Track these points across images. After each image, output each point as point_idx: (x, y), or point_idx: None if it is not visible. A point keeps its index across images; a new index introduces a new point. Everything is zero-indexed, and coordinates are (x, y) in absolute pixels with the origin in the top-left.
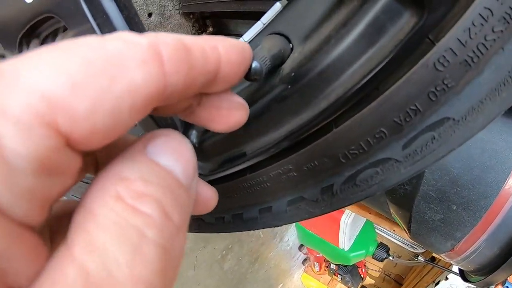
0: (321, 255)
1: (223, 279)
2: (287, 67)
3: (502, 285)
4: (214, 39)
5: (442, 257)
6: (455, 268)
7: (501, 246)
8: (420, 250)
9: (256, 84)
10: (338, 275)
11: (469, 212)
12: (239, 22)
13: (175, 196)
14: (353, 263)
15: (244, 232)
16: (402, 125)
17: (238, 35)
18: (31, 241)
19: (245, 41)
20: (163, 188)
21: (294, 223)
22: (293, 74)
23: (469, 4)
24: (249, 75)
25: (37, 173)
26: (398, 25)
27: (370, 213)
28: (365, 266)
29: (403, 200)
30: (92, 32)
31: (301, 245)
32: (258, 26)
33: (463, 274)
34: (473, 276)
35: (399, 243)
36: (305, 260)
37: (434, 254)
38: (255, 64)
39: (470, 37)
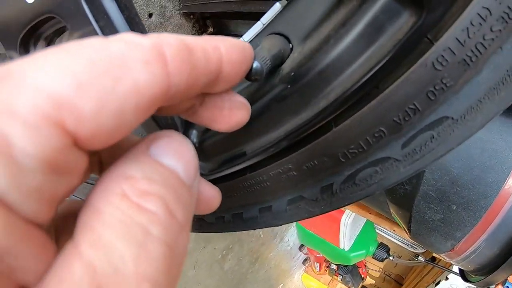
0: (321, 255)
1: (224, 279)
2: (286, 67)
3: (502, 285)
4: (215, 39)
5: (442, 257)
6: (456, 268)
7: (501, 246)
8: (420, 250)
9: (256, 84)
10: (339, 275)
11: (469, 212)
12: (239, 22)
13: (178, 194)
14: (354, 263)
15: (244, 232)
16: (401, 124)
17: (238, 36)
18: (38, 239)
19: (245, 41)
20: (166, 187)
21: (294, 223)
22: (292, 73)
23: (467, 3)
24: (250, 75)
25: (45, 172)
26: (397, 24)
27: (370, 213)
28: (365, 266)
29: (403, 200)
30: (93, 32)
31: (302, 245)
32: (258, 26)
33: (463, 274)
34: (473, 276)
35: (399, 243)
36: (305, 260)
37: (434, 254)
38: (256, 64)
39: (469, 37)
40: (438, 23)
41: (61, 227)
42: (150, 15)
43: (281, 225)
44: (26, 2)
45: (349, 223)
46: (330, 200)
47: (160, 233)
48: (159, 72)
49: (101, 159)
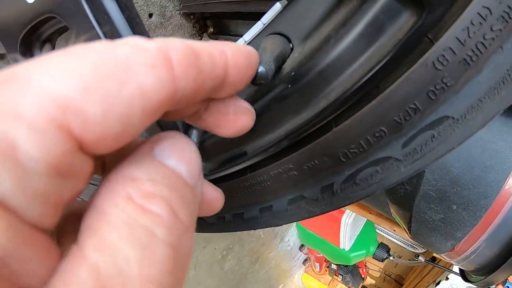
0: (321, 255)
1: (224, 279)
2: (287, 66)
3: (503, 285)
4: (221, 44)
5: (443, 257)
6: (456, 268)
7: (501, 246)
8: (420, 250)
9: None
10: (339, 275)
11: (469, 212)
12: (239, 22)
13: (182, 195)
14: (354, 263)
15: (244, 232)
16: (401, 124)
17: (239, 36)
18: (43, 243)
19: (245, 41)
20: (170, 188)
21: (295, 223)
22: (293, 73)
23: (467, 3)
24: (255, 80)
25: (50, 176)
26: (397, 24)
27: (370, 213)
28: (365, 266)
29: (403, 200)
30: (94, 32)
31: (302, 245)
32: (258, 26)
33: (463, 274)
34: (473, 276)
35: (399, 243)
36: (305, 260)
37: (434, 254)
38: (261, 69)
39: (469, 36)
40: (439, 22)
41: (63, 227)
42: (150, 15)
43: (281, 225)
44: (26, 2)
45: (350, 223)
46: (331, 199)
47: (165, 235)
48: (165, 76)
49: (104, 160)
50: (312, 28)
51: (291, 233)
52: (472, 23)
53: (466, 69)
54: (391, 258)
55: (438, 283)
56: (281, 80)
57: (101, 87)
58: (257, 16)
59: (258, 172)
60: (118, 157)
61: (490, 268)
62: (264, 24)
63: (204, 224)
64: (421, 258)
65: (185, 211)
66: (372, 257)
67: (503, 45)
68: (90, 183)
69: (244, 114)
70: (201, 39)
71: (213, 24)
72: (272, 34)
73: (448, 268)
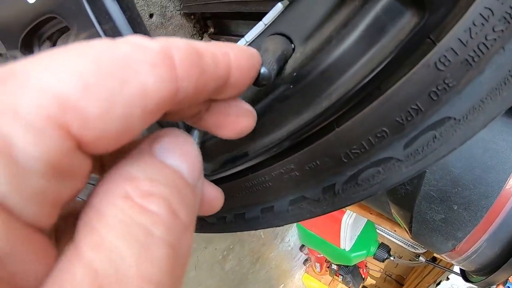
0: (322, 255)
1: (224, 279)
2: (289, 67)
3: (503, 285)
4: (224, 45)
5: (443, 257)
6: (456, 268)
7: (502, 246)
8: (421, 251)
9: None
10: (339, 276)
11: (470, 212)
12: (240, 23)
13: (182, 195)
14: (354, 263)
15: (245, 232)
16: (403, 125)
17: (239, 36)
18: (40, 243)
19: (247, 41)
20: (170, 188)
21: (295, 224)
22: (295, 74)
23: (469, 4)
24: (258, 81)
25: (48, 175)
26: (399, 25)
27: (371, 213)
28: (366, 266)
29: (404, 200)
30: (95, 33)
31: (302, 246)
32: (260, 27)
33: (464, 274)
34: (474, 276)
35: (400, 243)
36: (306, 260)
37: (435, 254)
38: (263, 70)
39: (471, 37)
40: (441, 23)
41: (61, 227)
42: (151, 16)
43: (283, 225)
44: (27, 2)
45: (350, 223)
46: (332, 200)
47: (163, 234)
48: (167, 75)
49: (103, 159)
50: (313, 28)
51: (291, 233)
52: (474, 24)
53: (468, 70)
54: (392, 258)
55: (439, 283)
56: (283, 81)
57: (102, 85)
58: (258, 17)
59: (260, 173)
60: (117, 155)
61: (491, 268)
62: (265, 25)
63: (205, 224)
64: (421, 259)
65: (185, 211)
66: (373, 258)
67: (505, 46)
68: (88, 183)
69: (245, 116)
70: (201, 39)
71: (213, 24)
72: (273, 34)
73: (448, 269)
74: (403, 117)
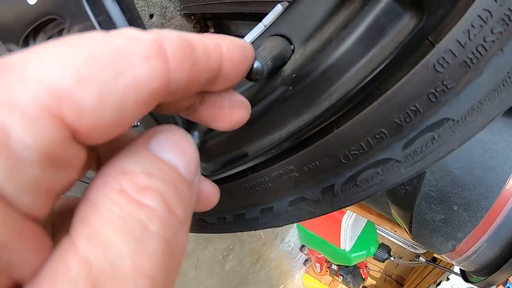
0: (322, 256)
1: (224, 279)
2: (288, 68)
3: (503, 286)
4: (217, 37)
5: (443, 257)
6: (456, 269)
7: (502, 247)
8: (421, 251)
9: (257, 85)
10: (340, 276)
11: (470, 213)
12: (240, 23)
13: (178, 190)
14: (355, 263)
15: (245, 232)
16: (402, 126)
17: (240, 36)
18: (35, 234)
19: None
20: (166, 183)
21: (296, 224)
22: (294, 75)
23: (468, 5)
24: (250, 74)
25: (43, 165)
26: (398, 27)
27: (371, 213)
28: (366, 266)
29: (404, 201)
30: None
31: (302, 246)
32: (259, 28)
33: (464, 275)
34: (474, 276)
35: (400, 243)
36: (306, 260)
37: (435, 255)
38: (256, 64)
39: (470, 39)
40: (439, 25)
41: (58, 223)
42: (151, 16)
43: (282, 226)
44: (28, 3)
45: (350, 223)
46: (331, 201)
47: (159, 229)
48: (160, 67)
49: (99, 155)
50: (313, 30)
51: (291, 233)
52: (472, 26)
53: (466, 71)
54: (392, 258)
55: (439, 283)
56: (282, 82)
57: (96, 77)
58: (259, 17)
59: (259, 173)
60: (113, 151)
61: (491, 268)
62: (265, 26)
63: (205, 225)
64: (421, 259)
65: (180, 207)
66: (373, 258)
67: (503, 47)
68: (84, 182)
69: (240, 108)
70: None
71: (214, 24)
72: (273, 35)
73: (448, 269)
74: (401, 119)
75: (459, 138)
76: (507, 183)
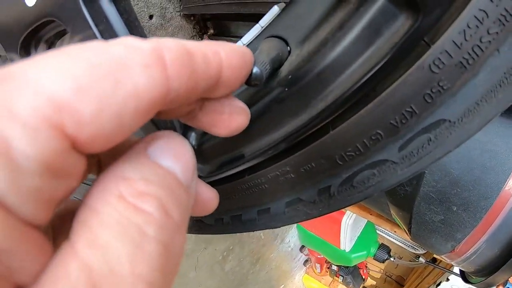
0: (322, 256)
1: (224, 280)
2: (284, 69)
3: (503, 286)
4: (216, 44)
5: (443, 258)
6: (456, 269)
7: (501, 247)
8: (421, 251)
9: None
10: (340, 276)
11: (469, 213)
12: (240, 24)
13: (175, 195)
14: (355, 264)
15: (245, 233)
16: (398, 127)
17: (239, 37)
18: (36, 240)
19: (243, 44)
20: (163, 188)
21: (295, 224)
22: (290, 76)
23: (464, 6)
24: (250, 80)
25: (43, 174)
26: (394, 27)
27: (371, 214)
28: (366, 267)
29: (404, 202)
30: (93, 36)
31: (302, 246)
32: (256, 29)
33: (464, 275)
34: (474, 277)
35: (400, 244)
36: (306, 261)
37: (435, 255)
38: (255, 70)
39: (466, 39)
40: (435, 25)
41: (58, 226)
42: (151, 17)
43: (279, 227)
44: (27, 5)
45: (350, 224)
46: (328, 202)
47: (156, 233)
48: (158, 76)
49: (100, 160)
50: (309, 31)
51: (291, 234)
52: (468, 26)
53: (462, 72)
54: (392, 259)
55: (439, 284)
56: (278, 83)
57: (95, 86)
58: (258, 18)
59: (256, 175)
60: (113, 156)
61: (490, 269)
62: (262, 27)
63: (203, 226)
64: (421, 259)
65: (177, 210)
66: (373, 258)
67: (499, 48)
68: (85, 183)
69: (239, 114)
70: (201, 40)
71: (213, 25)
72: (270, 37)
73: (448, 269)
74: (397, 120)
75: (455, 140)
76: (506, 183)
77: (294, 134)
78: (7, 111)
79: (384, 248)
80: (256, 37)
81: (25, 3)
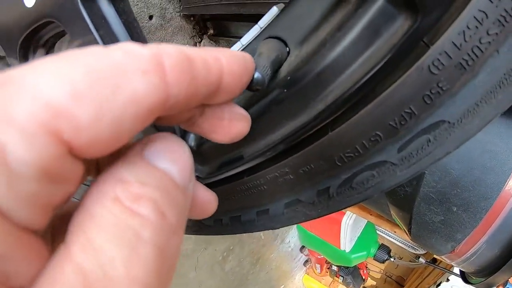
0: (322, 256)
1: (224, 280)
2: (283, 70)
3: (504, 287)
4: (216, 50)
5: (443, 258)
6: (456, 270)
7: (501, 248)
8: (421, 252)
9: None
10: (340, 277)
11: (469, 214)
12: (239, 24)
13: (172, 197)
14: (355, 264)
15: (244, 233)
16: (397, 128)
17: (239, 37)
18: (33, 244)
19: (242, 45)
20: (160, 190)
21: (295, 225)
22: (289, 77)
23: (463, 6)
24: (251, 86)
25: (40, 180)
26: (393, 28)
27: (371, 214)
28: (366, 267)
29: (404, 202)
30: (92, 37)
31: (303, 247)
32: (255, 30)
33: (464, 276)
34: (474, 277)
35: (400, 244)
36: (306, 261)
37: (435, 256)
38: (257, 75)
39: (465, 40)
40: (434, 26)
41: (58, 226)
42: (151, 17)
43: (278, 228)
44: (26, 6)
45: (350, 224)
46: (327, 203)
47: (151, 236)
48: (158, 82)
49: (98, 161)
50: (308, 32)
51: (291, 234)
52: (468, 27)
53: (462, 73)
54: (392, 259)
55: (439, 284)
56: (277, 84)
57: (93, 93)
58: (257, 18)
59: (255, 176)
60: (112, 158)
61: (490, 269)
62: (261, 28)
63: (202, 226)
64: (421, 260)
65: (174, 213)
66: (373, 259)
67: (499, 49)
68: (85, 184)
69: (240, 121)
70: (201, 40)
71: (213, 26)
72: (269, 37)
73: (448, 270)
74: (396, 121)
75: (455, 141)
76: (507, 184)
77: (293, 135)
78: (4, 116)
79: (384, 248)
80: (255, 37)
81: (24, 4)
